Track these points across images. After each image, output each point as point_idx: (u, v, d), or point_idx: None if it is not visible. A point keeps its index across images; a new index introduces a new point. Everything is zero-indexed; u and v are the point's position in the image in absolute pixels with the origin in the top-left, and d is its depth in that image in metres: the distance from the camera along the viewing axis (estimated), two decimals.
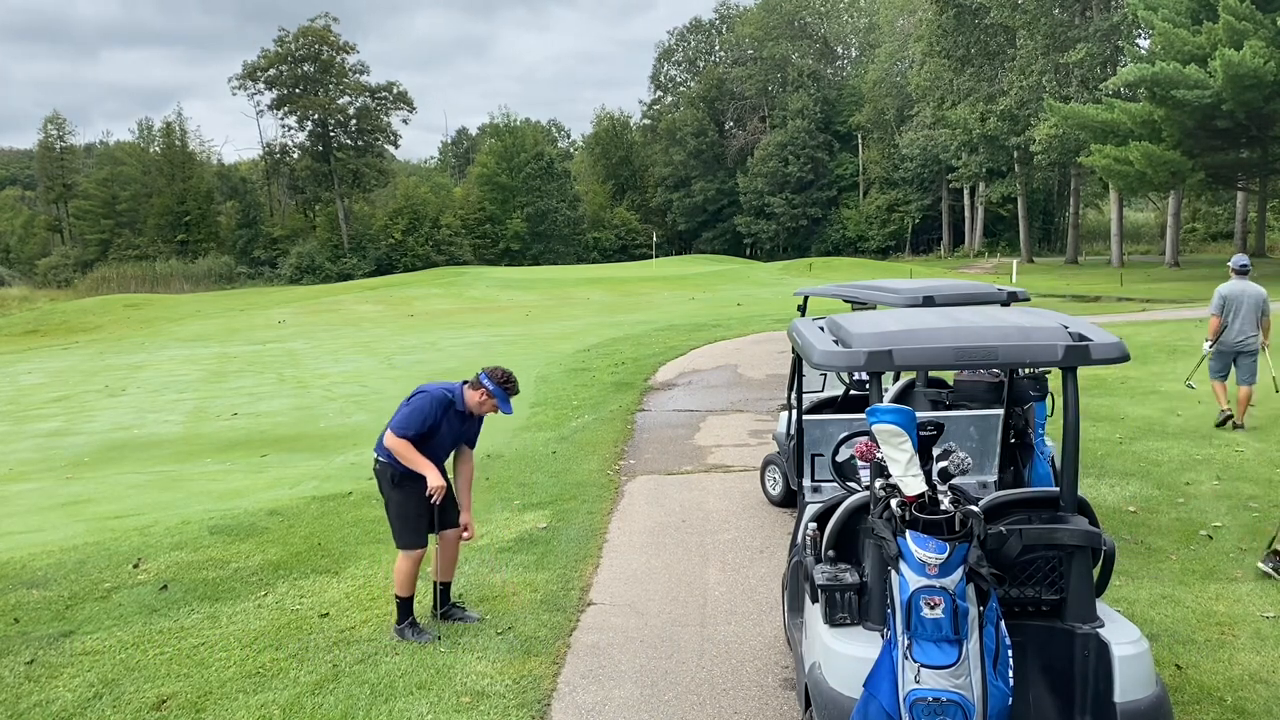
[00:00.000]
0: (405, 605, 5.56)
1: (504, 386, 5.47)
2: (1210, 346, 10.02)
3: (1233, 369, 10.08)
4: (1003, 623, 3.33)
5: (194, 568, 6.95)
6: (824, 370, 4.55)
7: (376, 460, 5.57)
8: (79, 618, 6.07)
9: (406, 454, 5.37)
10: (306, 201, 75.76)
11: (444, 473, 5.55)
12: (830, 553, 3.99)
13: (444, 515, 5.61)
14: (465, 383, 5.55)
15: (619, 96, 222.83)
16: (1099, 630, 3.46)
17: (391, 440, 5.39)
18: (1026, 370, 5.68)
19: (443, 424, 5.48)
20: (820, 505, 4.50)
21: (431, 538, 5.66)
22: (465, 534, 5.72)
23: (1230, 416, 10.02)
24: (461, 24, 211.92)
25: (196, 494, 10.00)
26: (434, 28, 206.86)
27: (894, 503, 3.43)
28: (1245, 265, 10.02)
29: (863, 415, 3.67)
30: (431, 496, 5.38)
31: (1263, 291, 9.92)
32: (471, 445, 5.79)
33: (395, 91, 74.37)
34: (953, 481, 3.47)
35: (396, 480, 5.46)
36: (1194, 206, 57.40)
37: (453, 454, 5.75)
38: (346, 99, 72.99)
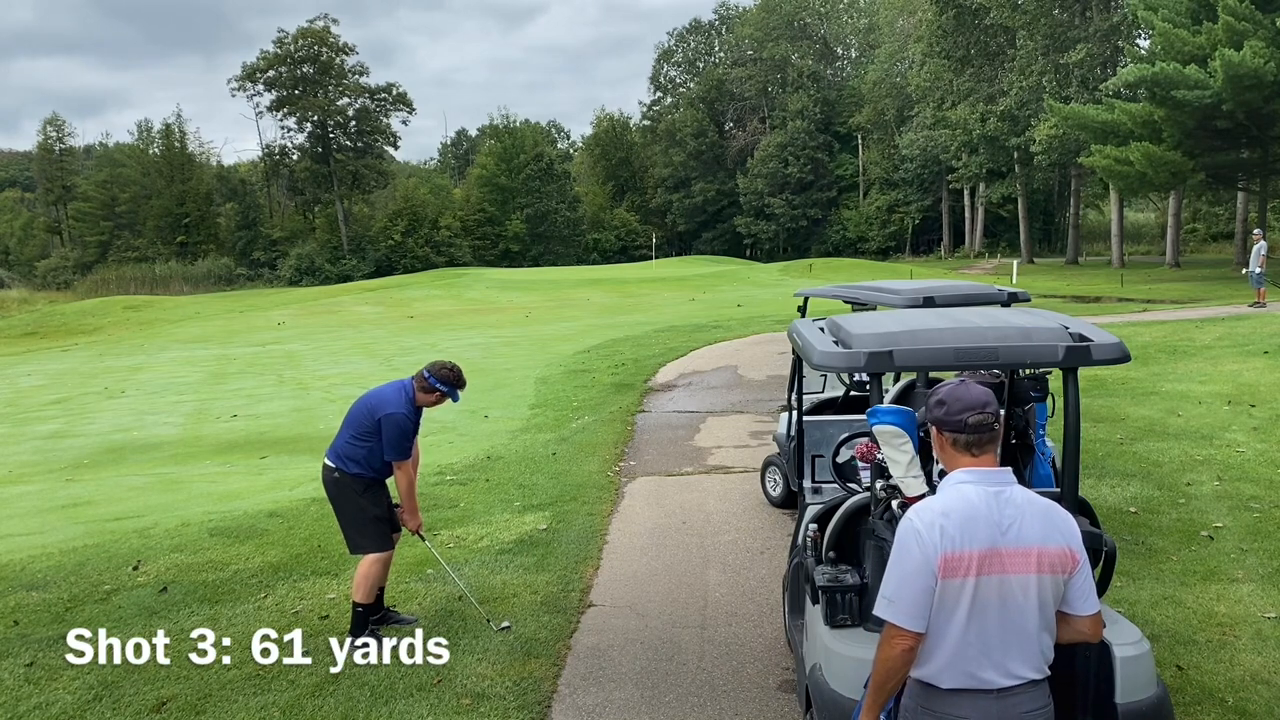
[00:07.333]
0: (368, 613, 5.51)
1: (455, 384, 5.52)
2: None
3: None
4: None
5: (194, 570, 6.94)
6: (824, 371, 4.55)
7: (336, 470, 5.45)
8: (79, 620, 6.05)
9: (413, 488, 5.58)
10: (306, 203, 75.66)
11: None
12: (831, 554, 3.99)
13: (393, 519, 5.75)
14: (413, 381, 5.51)
15: (613, 96, 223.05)
16: None
17: (403, 473, 5.47)
18: (1027, 371, 5.67)
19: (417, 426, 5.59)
20: (821, 507, 4.50)
21: None
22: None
23: None
24: (437, 22, 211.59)
25: (196, 496, 9.99)
26: (421, 28, 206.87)
27: (895, 504, 3.43)
28: None
29: (863, 416, 3.67)
30: (418, 531, 5.73)
31: None
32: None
33: (394, 93, 74.31)
34: None
35: (363, 488, 5.46)
36: (1194, 207, 57.34)
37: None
38: (346, 100, 72.91)
